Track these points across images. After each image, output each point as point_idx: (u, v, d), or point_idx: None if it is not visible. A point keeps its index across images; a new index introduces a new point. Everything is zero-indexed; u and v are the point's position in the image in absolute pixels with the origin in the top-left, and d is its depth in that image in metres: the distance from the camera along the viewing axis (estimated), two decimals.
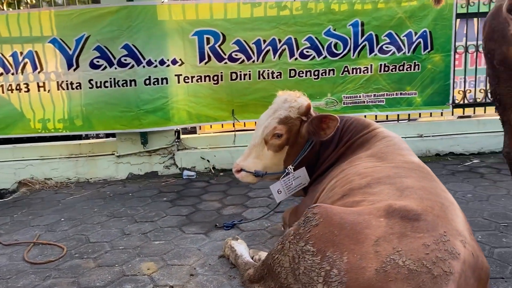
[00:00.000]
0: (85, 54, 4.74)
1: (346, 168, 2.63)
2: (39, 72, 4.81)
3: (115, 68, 4.78)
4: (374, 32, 5.06)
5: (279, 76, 5.04)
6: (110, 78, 4.79)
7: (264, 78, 5.02)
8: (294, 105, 2.92)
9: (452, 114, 5.53)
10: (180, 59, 4.89)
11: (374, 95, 5.23)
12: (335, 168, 2.82)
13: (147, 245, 3.23)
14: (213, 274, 2.76)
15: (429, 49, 5.16)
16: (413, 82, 5.23)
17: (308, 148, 2.96)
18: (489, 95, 3.12)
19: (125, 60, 4.77)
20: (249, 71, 4.99)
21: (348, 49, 5.07)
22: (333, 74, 5.11)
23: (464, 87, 5.45)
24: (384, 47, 5.11)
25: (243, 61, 4.96)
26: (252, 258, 2.74)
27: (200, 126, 5.44)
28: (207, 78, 4.98)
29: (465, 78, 5.44)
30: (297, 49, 5.01)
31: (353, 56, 5.09)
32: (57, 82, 4.81)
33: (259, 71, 5.00)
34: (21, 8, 5.49)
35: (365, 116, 4.99)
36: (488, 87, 5.43)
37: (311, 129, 2.88)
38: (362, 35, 5.07)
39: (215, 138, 5.30)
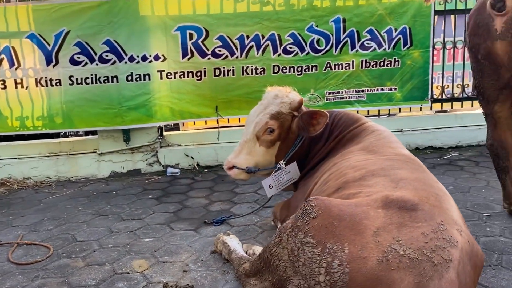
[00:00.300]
0: (65, 50, 4.63)
1: (338, 161, 2.66)
2: (16, 69, 4.67)
3: (96, 64, 4.68)
4: (355, 28, 5.12)
5: (262, 72, 5.04)
6: (91, 75, 4.70)
7: (247, 74, 5.02)
8: (286, 101, 2.93)
9: (431, 109, 5.66)
10: (163, 55, 4.83)
11: (356, 90, 5.29)
12: (326, 162, 2.85)
13: (137, 243, 3.20)
14: (207, 269, 2.75)
15: (408, 45, 5.25)
16: (393, 78, 5.32)
17: (299, 143, 2.98)
18: (473, 89, 3.19)
19: (107, 56, 4.68)
20: (233, 67, 4.98)
21: (330, 45, 5.11)
22: (316, 70, 5.15)
23: (442, 83, 5.57)
24: (365, 43, 5.18)
25: (226, 56, 4.94)
26: (246, 253, 2.74)
27: (183, 123, 5.39)
28: (190, 74, 4.94)
29: (443, 73, 5.57)
30: (280, 45, 5.02)
31: (335, 52, 5.14)
32: (36, 78, 4.69)
33: (242, 67, 4.99)
34: None
35: None
36: (464, 82, 5.59)
37: (301, 124, 2.90)
38: (344, 32, 5.12)
39: (198, 135, 5.27)
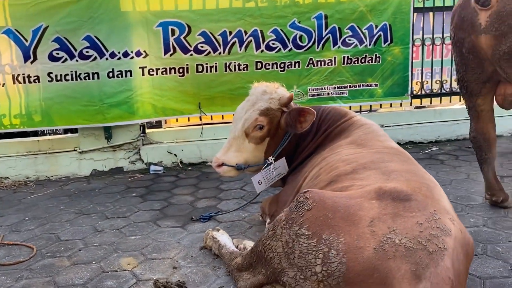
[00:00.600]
0: (44, 45, 4.50)
1: (327, 155, 2.68)
2: None
3: (76, 61, 4.57)
4: (337, 25, 5.16)
5: (245, 69, 5.02)
6: (71, 71, 4.58)
7: (230, 70, 4.99)
8: (275, 96, 2.93)
9: (411, 105, 5.76)
10: (145, 51, 4.76)
11: (338, 87, 5.34)
12: (315, 157, 2.86)
13: (123, 241, 3.14)
14: (197, 265, 2.72)
15: (389, 41, 5.33)
16: (374, 74, 5.39)
17: (287, 138, 2.98)
18: (456, 83, 3.26)
19: (87, 52, 4.58)
20: (216, 63, 4.95)
21: (312, 42, 5.13)
22: (299, 67, 5.17)
23: (422, 79, 5.68)
24: (347, 39, 5.22)
25: (209, 53, 4.91)
26: (236, 248, 2.73)
27: (165, 120, 5.33)
28: (173, 71, 4.88)
29: (422, 70, 5.68)
30: (263, 41, 5.01)
31: (317, 48, 5.17)
32: (13, 75, 4.53)
33: (225, 63, 4.96)
34: None
35: None
36: (442, 78, 5.71)
37: (288, 121, 2.90)
38: (326, 28, 5.15)
39: (181, 132, 5.22)
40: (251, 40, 4.98)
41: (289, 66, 5.14)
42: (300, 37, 5.10)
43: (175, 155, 5.08)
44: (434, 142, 5.59)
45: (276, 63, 5.09)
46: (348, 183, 2.22)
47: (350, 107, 5.52)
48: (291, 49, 5.10)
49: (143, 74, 4.79)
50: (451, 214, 1.97)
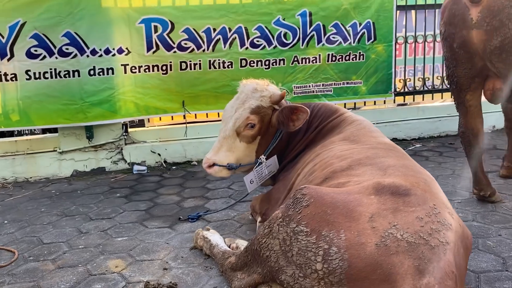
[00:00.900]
0: (21, 42, 4.34)
1: (321, 152, 2.64)
2: None
3: (56, 58, 4.43)
4: (321, 22, 5.14)
5: (230, 66, 4.96)
6: (51, 69, 4.44)
7: (215, 68, 4.92)
8: (266, 94, 2.87)
9: (394, 102, 5.79)
10: (127, 48, 4.65)
11: (323, 84, 5.33)
12: (307, 153, 2.82)
13: (110, 242, 3.04)
14: (188, 266, 2.65)
15: (372, 39, 5.35)
16: (358, 72, 5.40)
17: (279, 136, 2.94)
18: (446, 78, 3.27)
19: (67, 49, 4.44)
20: (199, 61, 4.87)
21: (297, 39, 5.11)
22: (284, 64, 5.13)
23: (404, 76, 5.72)
24: (331, 37, 5.22)
25: (193, 50, 4.83)
26: (229, 247, 2.67)
27: (148, 119, 5.21)
28: (156, 68, 4.79)
29: (405, 67, 5.72)
30: (248, 38, 4.96)
31: (302, 46, 5.14)
32: None
33: (209, 61, 4.89)
34: None
35: None
36: (424, 75, 5.76)
37: (281, 119, 2.85)
38: (310, 25, 5.13)
39: (165, 131, 5.12)
40: (235, 37, 4.93)
41: (274, 64, 5.10)
42: (285, 34, 5.07)
43: (159, 154, 4.97)
44: (417, 139, 5.64)
45: (261, 61, 5.05)
46: (344, 179, 2.18)
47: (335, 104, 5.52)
48: (275, 46, 5.06)
49: (125, 72, 4.68)
50: (449, 208, 1.96)
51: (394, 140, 5.60)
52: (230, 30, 4.89)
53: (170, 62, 4.79)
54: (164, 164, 4.95)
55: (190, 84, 4.90)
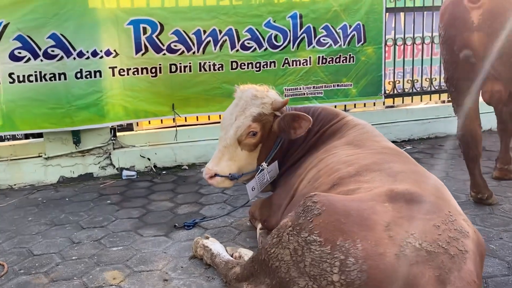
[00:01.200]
0: (4, 44, 4.16)
1: (324, 157, 2.59)
2: None
3: (41, 60, 4.26)
4: (312, 24, 5.11)
5: (220, 68, 4.88)
6: (36, 72, 4.27)
7: (205, 70, 4.83)
8: (267, 101, 2.80)
9: (384, 104, 5.81)
10: (115, 50, 4.51)
11: (314, 87, 5.29)
12: (308, 158, 2.77)
13: (105, 253, 2.93)
14: (189, 277, 2.57)
15: (362, 41, 5.34)
16: (348, 74, 5.38)
17: (279, 143, 2.87)
18: (444, 81, 3.27)
19: (53, 51, 4.28)
20: (190, 63, 4.77)
21: (288, 41, 5.06)
22: (274, 66, 5.08)
23: (394, 78, 5.73)
24: (321, 39, 5.19)
25: (182, 52, 4.72)
26: (231, 256, 2.59)
27: (137, 123, 5.08)
28: (145, 71, 4.66)
29: (394, 69, 5.73)
30: (238, 40, 4.88)
31: (292, 48, 5.10)
32: None
33: (200, 63, 4.80)
34: None
35: None
36: (413, 77, 5.78)
37: (282, 126, 2.79)
38: (301, 27, 5.09)
39: (154, 135, 5.00)
40: (226, 40, 4.84)
41: (265, 66, 5.04)
42: (276, 36, 5.02)
43: (149, 159, 4.85)
44: (407, 141, 5.66)
45: (252, 63, 4.98)
46: (353, 186, 2.13)
47: None
48: (266, 48, 5.01)
49: (113, 75, 4.55)
50: (463, 215, 1.93)
51: None
52: (220, 32, 4.81)
53: (160, 64, 4.68)
54: (154, 169, 4.84)
55: (180, 86, 4.80)
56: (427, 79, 5.82)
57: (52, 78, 4.32)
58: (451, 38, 2.97)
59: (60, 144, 4.57)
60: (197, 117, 5.12)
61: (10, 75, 4.23)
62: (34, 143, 4.66)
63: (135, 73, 4.64)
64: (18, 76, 4.24)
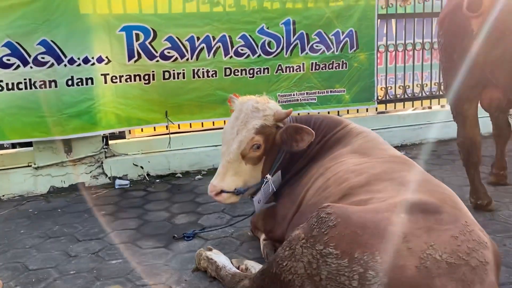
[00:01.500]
0: None
1: (331, 165, 2.56)
2: None
3: (31, 68, 4.14)
4: (305, 31, 5.10)
5: (214, 75, 4.83)
6: (25, 79, 4.14)
7: (199, 77, 4.77)
8: (269, 113, 2.75)
9: (376, 110, 5.83)
10: (107, 57, 4.42)
11: (307, 93, 5.28)
12: (313, 167, 2.73)
13: (104, 266, 2.84)
14: None
15: (355, 48, 5.35)
16: (341, 80, 5.39)
17: (282, 154, 2.83)
18: (443, 88, 3.28)
19: (43, 58, 4.17)
20: (183, 70, 4.71)
21: (281, 48, 5.04)
22: (268, 73, 5.05)
23: (386, 84, 5.76)
24: (314, 45, 5.18)
25: (176, 59, 4.66)
26: (238, 269, 2.53)
27: (129, 130, 4.98)
28: (137, 78, 4.57)
29: (386, 75, 5.77)
30: (232, 47, 4.84)
31: (286, 54, 5.08)
32: None
33: (193, 70, 4.74)
34: None
35: (298, 114, 5.00)
36: (405, 83, 5.83)
37: (284, 138, 2.75)
38: (294, 34, 5.08)
39: (147, 143, 4.91)
40: (219, 46, 4.80)
41: (258, 73, 5.01)
42: (269, 43, 4.99)
43: (142, 167, 4.76)
44: (400, 147, 5.67)
45: (245, 69, 4.95)
46: (365, 196, 2.10)
47: (318, 113, 5.49)
48: (260, 55, 4.98)
49: (105, 82, 4.45)
50: (478, 224, 1.91)
51: None
52: (214, 38, 4.76)
53: (153, 71, 4.61)
54: (147, 177, 4.75)
55: (174, 93, 4.73)
56: (418, 85, 5.87)
57: (42, 86, 4.21)
58: (451, 46, 2.99)
59: (50, 153, 4.45)
60: (190, 124, 5.06)
61: None
62: (23, 152, 4.54)
63: (128, 80, 4.55)
64: (6, 84, 4.11)
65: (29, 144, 4.55)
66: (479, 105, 3.26)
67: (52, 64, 4.21)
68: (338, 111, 5.64)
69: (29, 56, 4.13)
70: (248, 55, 4.91)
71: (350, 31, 5.29)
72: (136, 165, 4.74)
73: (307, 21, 5.10)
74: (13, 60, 4.11)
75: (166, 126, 4.82)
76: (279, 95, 5.14)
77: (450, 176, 4.35)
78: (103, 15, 4.36)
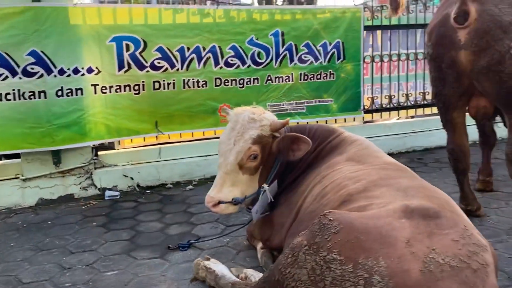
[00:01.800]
0: None
1: (327, 173, 2.60)
2: None
3: (20, 78, 4.09)
4: (293, 42, 5.17)
5: (204, 85, 4.85)
6: (13, 90, 4.09)
7: (189, 87, 4.79)
8: (265, 123, 2.78)
9: (363, 119, 5.92)
10: (97, 68, 4.40)
11: (296, 102, 5.34)
12: (309, 175, 2.77)
13: (99, 278, 2.82)
14: None
15: (342, 58, 5.45)
16: (329, 90, 5.47)
17: (278, 163, 2.86)
18: (432, 97, 3.37)
19: (32, 68, 4.12)
20: (173, 80, 4.72)
21: (270, 58, 5.10)
22: (258, 83, 5.10)
23: (372, 94, 5.87)
24: (302, 56, 5.26)
25: (166, 69, 4.67)
26: (237, 278, 2.54)
27: (119, 141, 4.94)
28: (127, 88, 4.57)
29: (372, 85, 5.87)
30: (222, 57, 4.88)
31: (275, 65, 5.14)
32: None
33: (183, 80, 4.75)
34: None
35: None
36: (390, 93, 5.94)
37: (281, 147, 2.78)
38: (283, 45, 5.15)
39: (137, 153, 4.88)
40: (209, 57, 4.83)
41: (248, 83, 5.06)
42: (258, 53, 5.05)
43: (132, 178, 4.73)
44: None
45: (236, 80, 4.98)
46: (364, 202, 2.14)
47: (307, 122, 5.55)
48: (249, 65, 5.02)
49: (95, 92, 4.43)
50: (475, 228, 1.97)
51: None
52: (204, 49, 4.80)
53: (143, 81, 4.61)
54: (137, 188, 4.71)
55: (164, 104, 4.73)
56: (404, 95, 5.99)
57: (32, 97, 4.16)
58: (439, 56, 3.08)
59: (38, 164, 4.39)
60: (180, 134, 5.05)
61: None
62: (10, 164, 4.46)
63: (118, 90, 4.54)
64: None
65: (16, 156, 4.48)
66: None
67: (42, 75, 4.17)
68: (326, 121, 5.71)
69: (18, 66, 4.09)
70: (238, 66, 4.96)
71: (337, 42, 5.39)
72: (126, 176, 4.71)
73: (295, 33, 5.18)
74: (1, 70, 4.05)
75: (156, 137, 4.81)
76: (268, 105, 5.18)
77: (438, 184, 4.38)
78: (93, 25, 4.35)
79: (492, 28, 2.88)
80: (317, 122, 5.60)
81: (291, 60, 5.22)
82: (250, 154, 2.73)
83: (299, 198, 2.68)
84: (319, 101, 5.46)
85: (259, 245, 2.95)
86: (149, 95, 4.65)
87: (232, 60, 4.94)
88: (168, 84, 4.71)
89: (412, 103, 6.03)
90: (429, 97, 6.02)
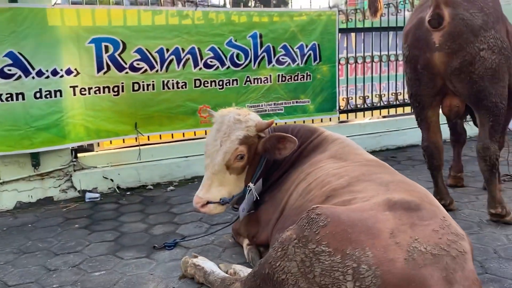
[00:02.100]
0: None
1: (311, 170, 2.69)
2: None
3: None
4: (271, 44, 5.28)
5: (184, 86, 4.89)
6: None
7: (168, 88, 4.82)
8: (251, 124, 2.86)
9: (339, 119, 6.08)
10: (76, 69, 4.38)
11: (274, 103, 5.45)
12: (293, 173, 2.86)
13: (87, 278, 2.82)
14: None
15: (318, 60, 5.59)
16: (306, 91, 5.60)
17: (263, 162, 2.94)
18: (409, 97, 3.52)
19: (9, 70, 4.07)
20: (153, 81, 4.74)
21: (249, 60, 5.18)
22: (237, 84, 5.17)
23: (347, 95, 6.03)
24: (280, 58, 5.37)
25: (145, 70, 4.69)
26: (226, 273, 2.60)
27: (98, 143, 4.92)
28: (107, 90, 4.56)
29: (347, 86, 6.03)
30: (201, 59, 4.93)
31: (254, 66, 5.23)
32: None
33: (163, 81, 4.78)
34: None
35: None
36: (364, 94, 6.11)
37: (267, 147, 2.86)
38: (261, 47, 5.24)
39: (117, 155, 4.87)
40: (188, 58, 4.88)
41: (228, 84, 5.13)
42: (237, 55, 5.12)
43: (112, 180, 4.72)
44: None
45: (215, 81, 5.04)
46: (348, 196, 2.24)
47: (285, 122, 5.65)
48: (228, 67, 5.09)
49: (74, 94, 4.41)
50: (452, 219, 2.10)
51: None
52: (183, 50, 4.84)
53: (122, 83, 4.61)
54: (117, 189, 4.70)
55: (143, 105, 4.75)
56: (377, 95, 6.18)
57: (9, 99, 4.11)
58: (414, 58, 3.23)
59: (16, 167, 4.33)
60: (160, 135, 5.06)
61: None
62: None
63: (97, 92, 4.53)
64: None
65: None
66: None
67: (20, 77, 4.12)
68: (304, 121, 5.83)
69: None
70: (217, 67, 5.02)
71: (313, 44, 5.52)
72: (106, 178, 4.69)
73: (273, 35, 5.28)
74: None
75: (136, 138, 4.81)
76: (248, 106, 5.22)
77: (412, 180, 4.60)
78: (72, 27, 4.33)
79: (464, 31, 3.05)
80: (294, 122, 5.73)
81: (269, 61, 5.32)
82: (237, 154, 2.80)
83: (284, 195, 2.77)
84: (297, 102, 5.58)
85: (245, 242, 3.02)
86: (128, 96, 4.66)
87: (211, 62, 5.00)
88: (148, 85, 4.73)
89: (385, 103, 6.23)
90: (401, 97, 6.25)
